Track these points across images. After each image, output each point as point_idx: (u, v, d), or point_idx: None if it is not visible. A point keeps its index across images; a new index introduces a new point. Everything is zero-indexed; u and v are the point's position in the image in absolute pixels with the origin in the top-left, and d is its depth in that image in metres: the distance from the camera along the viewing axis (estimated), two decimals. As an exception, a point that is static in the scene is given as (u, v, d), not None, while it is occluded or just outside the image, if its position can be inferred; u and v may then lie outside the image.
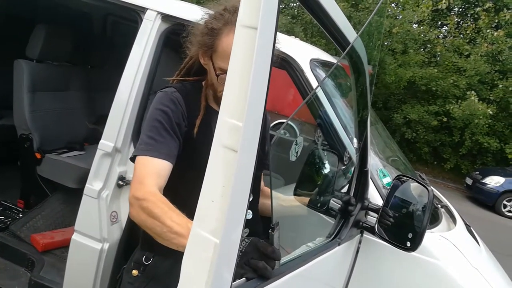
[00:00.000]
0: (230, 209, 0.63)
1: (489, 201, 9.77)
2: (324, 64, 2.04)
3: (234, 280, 0.74)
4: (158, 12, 1.92)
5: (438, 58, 12.55)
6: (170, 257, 1.23)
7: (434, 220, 2.00)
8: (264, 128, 1.48)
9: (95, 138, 3.21)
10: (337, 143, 1.79)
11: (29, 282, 2.18)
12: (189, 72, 1.40)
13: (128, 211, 1.94)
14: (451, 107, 11.29)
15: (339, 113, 1.83)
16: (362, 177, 1.52)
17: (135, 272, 1.31)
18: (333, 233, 1.39)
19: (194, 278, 0.67)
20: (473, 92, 10.94)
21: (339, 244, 1.34)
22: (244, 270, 0.82)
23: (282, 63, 1.82)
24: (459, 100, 11.39)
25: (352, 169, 1.57)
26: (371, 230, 1.50)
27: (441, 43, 12.57)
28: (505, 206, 9.67)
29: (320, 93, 1.83)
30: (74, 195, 2.77)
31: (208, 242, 0.64)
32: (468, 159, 12.53)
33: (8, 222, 2.55)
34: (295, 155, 1.27)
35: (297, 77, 1.83)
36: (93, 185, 1.89)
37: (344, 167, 1.63)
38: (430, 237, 1.71)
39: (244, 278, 0.81)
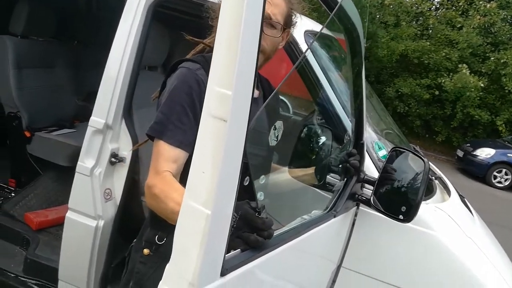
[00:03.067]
0: (221, 180, 0.62)
1: (480, 173, 9.92)
2: (321, 36, 1.99)
3: (227, 252, 0.73)
4: (146, -17, 1.85)
5: (431, 31, 12.45)
6: None
7: (429, 192, 2.01)
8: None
9: (85, 115, 3.15)
10: (333, 117, 1.77)
11: (25, 260, 2.18)
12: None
13: (122, 188, 1.95)
14: (443, 80, 11.30)
15: (334, 87, 1.80)
16: (357, 150, 1.51)
17: (146, 251, 1.27)
18: (329, 206, 1.38)
19: (186, 250, 0.66)
20: (464, 65, 10.93)
21: (334, 216, 1.34)
22: (236, 243, 0.81)
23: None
24: (451, 73, 11.38)
25: (349, 142, 1.56)
26: (367, 202, 1.50)
27: (433, 15, 12.45)
28: (495, 177, 9.83)
29: (316, 67, 1.79)
30: (66, 173, 2.73)
31: (200, 214, 0.63)
32: (459, 131, 12.63)
33: (0, 202, 2.53)
34: (275, 139, 1.24)
35: (292, 50, 1.79)
36: (85, 162, 1.86)
37: (340, 141, 1.62)
38: (426, 208, 1.72)
39: (238, 250, 0.81)
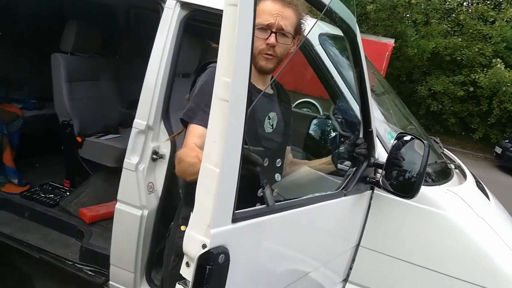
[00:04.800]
0: (227, 145, 0.85)
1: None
2: (334, 38, 2.18)
3: (237, 208, 0.94)
4: (177, 1, 2.11)
5: (462, 27, 12.23)
6: None
7: (445, 177, 2.15)
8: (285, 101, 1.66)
9: (128, 122, 3.48)
10: (348, 109, 1.95)
11: (81, 249, 2.47)
12: None
13: (163, 181, 2.20)
14: (477, 76, 11.07)
15: (348, 82, 1.98)
16: (367, 137, 1.69)
17: (183, 227, 1.45)
18: (340, 186, 1.57)
19: (204, 201, 0.89)
20: (499, 59, 10.66)
21: (345, 195, 1.53)
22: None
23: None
24: (485, 69, 11.13)
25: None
26: (377, 184, 1.67)
27: (464, 11, 12.23)
28: (537, 173, 9.53)
29: (330, 66, 1.98)
30: (113, 173, 3.04)
31: (213, 173, 0.86)
32: (497, 128, 12.29)
33: (58, 199, 2.86)
34: (271, 127, 1.44)
35: (308, 52, 1.99)
36: (130, 159, 2.13)
37: (352, 131, 1.80)
38: (436, 190, 1.87)
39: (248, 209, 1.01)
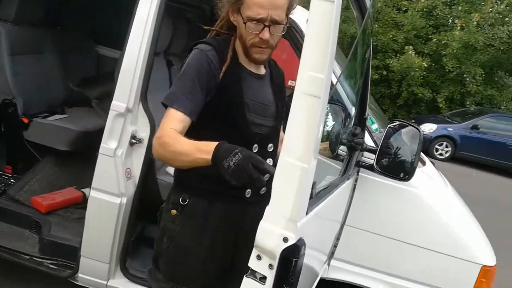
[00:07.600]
0: (314, 143, 0.86)
1: (423, 146, 10.73)
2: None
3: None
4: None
5: (379, 13, 13.05)
6: (204, 199, 1.43)
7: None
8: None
9: (73, 101, 3.20)
10: (345, 95, 1.99)
11: (41, 241, 2.26)
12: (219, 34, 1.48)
13: (141, 167, 2.10)
14: (391, 61, 11.99)
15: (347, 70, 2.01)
16: (361, 124, 1.78)
17: (174, 211, 1.45)
18: (343, 171, 1.65)
19: (284, 194, 0.90)
20: (410, 46, 11.67)
21: (348, 179, 1.61)
22: (235, 178, 1.08)
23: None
24: (398, 54, 12.10)
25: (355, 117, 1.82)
26: (369, 168, 1.78)
27: (381, -1, 13.06)
28: (437, 150, 10.75)
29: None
30: (65, 158, 2.81)
31: (295, 167, 0.87)
32: (404, 109, 13.51)
33: (3, 187, 2.56)
34: None
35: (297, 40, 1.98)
36: (108, 144, 1.99)
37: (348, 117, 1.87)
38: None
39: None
